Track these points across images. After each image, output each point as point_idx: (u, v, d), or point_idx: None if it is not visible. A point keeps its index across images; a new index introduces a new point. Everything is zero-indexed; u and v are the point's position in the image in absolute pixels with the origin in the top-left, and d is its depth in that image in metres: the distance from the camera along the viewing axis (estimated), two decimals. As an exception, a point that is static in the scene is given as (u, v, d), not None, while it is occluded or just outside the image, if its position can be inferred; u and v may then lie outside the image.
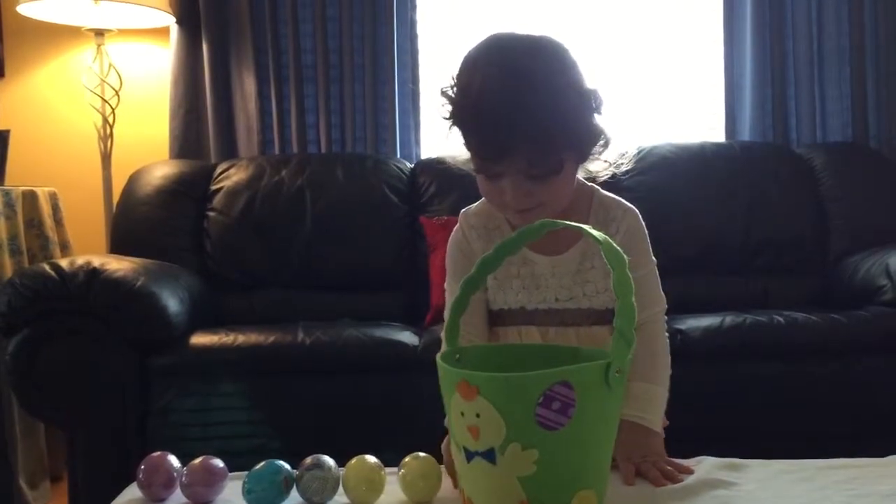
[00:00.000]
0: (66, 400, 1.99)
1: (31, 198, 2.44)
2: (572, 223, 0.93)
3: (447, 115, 1.11)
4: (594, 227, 1.11)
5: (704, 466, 1.09)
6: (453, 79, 1.10)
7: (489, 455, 0.81)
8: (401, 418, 1.94)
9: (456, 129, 1.12)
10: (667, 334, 1.22)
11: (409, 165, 2.77)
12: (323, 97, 2.87)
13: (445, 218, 2.54)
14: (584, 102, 1.08)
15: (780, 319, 2.10)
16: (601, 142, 1.12)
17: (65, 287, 1.96)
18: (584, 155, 1.12)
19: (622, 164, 1.19)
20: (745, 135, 2.91)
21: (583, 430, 0.82)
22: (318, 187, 2.62)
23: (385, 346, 2.09)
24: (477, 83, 1.05)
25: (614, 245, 0.86)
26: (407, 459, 1.03)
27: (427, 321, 2.36)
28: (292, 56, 2.86)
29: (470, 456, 0.83)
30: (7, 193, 2.33)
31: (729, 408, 2.04)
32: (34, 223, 2.45)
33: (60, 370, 1.98)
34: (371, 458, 1.04)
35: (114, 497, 1.07)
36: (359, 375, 2.05)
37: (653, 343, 1.18)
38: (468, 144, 1.11)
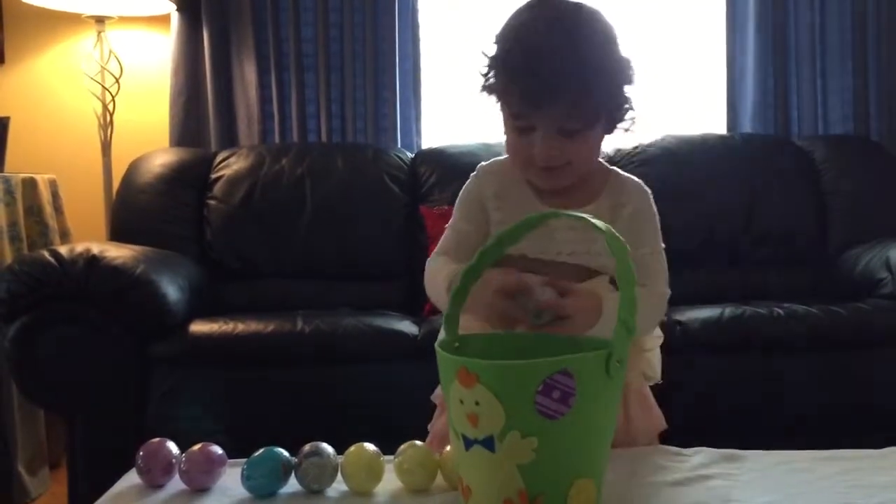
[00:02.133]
0: (66, 387, 2.00)
1: (30, 185, 2.44)
2: (573, 213, 0.93)
3: (485, 71, 1.15)
4: (606, 202, 1.18)
5: (702, 457, 1.10)
6: (497, 37, 1.15)
7: (488, 443, 0.81)
8: (399, 407, 1.94)
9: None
10: (662, 313, 1.23)
11: (410, 155, 2.77)
12: (324, 86, 2.86)
13: (445, 207, 2.53)
14: (622, 69, 1.14)
15: (780, 311, 2.10)
16: (629, 114, 1.17)
17: (64, 274, 1.96)
18: (614, 120, 1.17)
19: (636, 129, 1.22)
20: (747, 127, 2.91)
21: (582, 419, 0.82)
22: (318, 176, 2.61)
23: (384, 335, 2.09)
24: (529, 32, 1.11)
25: (616, 234, 0.86)
26: (404, 447, 1.04)
27: (426, 311, 2.35)
28: (293, 45, 2.85)
29: (469, 444, 0.83)
30: (7, 180, 2.33)
31: (728, 399, 2.04)
32: (34, 210, 2.44)
33: (60, 357, 1.98)
34: (370, 446, 1.04)
35: (112, 483, 1.07)
36: (358, 364, 2.05)
37: (650, 298, 1.16)
38: (508, 94, 1.13)
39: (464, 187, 1.29)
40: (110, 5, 2.71)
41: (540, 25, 1.10)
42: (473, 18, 3.03)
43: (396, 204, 2.62)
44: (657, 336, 1.27)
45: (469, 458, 0.84)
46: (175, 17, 2.87)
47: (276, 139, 2.88)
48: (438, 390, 1.19)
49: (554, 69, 1.07)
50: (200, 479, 1.03)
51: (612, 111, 1.15)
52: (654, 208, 1.24)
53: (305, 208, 2.58)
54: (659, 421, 1.26)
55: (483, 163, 1.29)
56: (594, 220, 0.88)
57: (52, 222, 2.50)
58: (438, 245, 1.28)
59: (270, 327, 2.08)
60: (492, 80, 1.15)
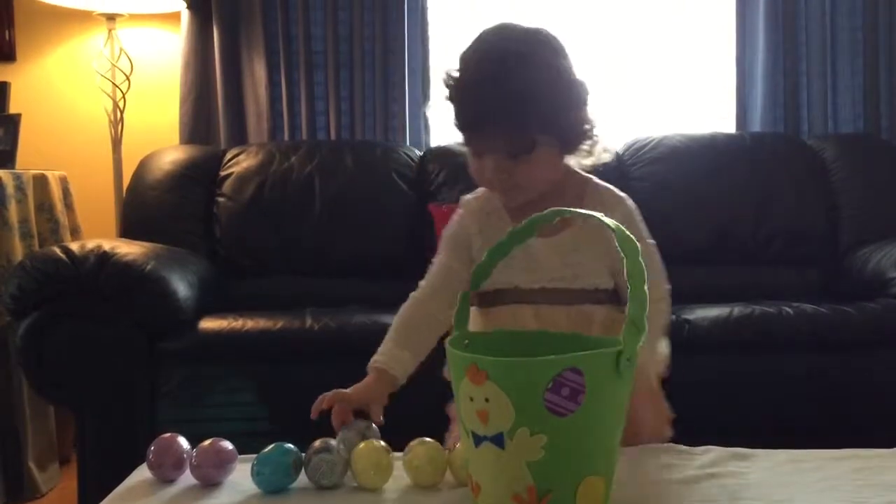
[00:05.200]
0: (76, 382, 2.01)
1: (41, 182, 2.45)
2: (583, 211, 0.93)
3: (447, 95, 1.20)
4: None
5: (711, 456, 1.10)
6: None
7: (498, 440, 0.82)
8: (407, 404, 1.94)
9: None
10: (670, 311, 1.26)
11: (419, 153, 2.77)
12: (333, 84, 2.87)
13: (454, 205, 2.53)
14: (572, 93, 1.16)
15: (789, 311, 2.10)
16: (589, 134, 1.19)
17: (75, 271, 1.97)
18: (567, 143, 1.19)
19: (604, 156, 1.24)
20: (756, 125, 2.90)
21: (592, 417, 0.82)
22: (327, 174, 2.62)
23: (393, 332, 2.10)
24: (465, 61, 1.17)
25: (627, 233, 0.86)
26: (413, 444, 1.04)
27: (435, 309, 2.35)
28: (302, 42, 2.86)
29: (479, 441, 0.83)
30: (18, 177, 2.34)
31: (736, 398, 2.04)
32: (45, 207, 2.46)
33: (70, 353, 1.99)
34: (379, 443, 1.04)
35: (122, 480, 1.08)
36: (366, 361, 2.05)
37: (651, 313, 1.18)
38: (456, 119, 1.19)
39: (450, 221, 1.33)
40: (121, 3, 2.72)
41: (479, 53, 1.16)
42: (482, 16, 3.03)
43: (405, 201, 2.63)
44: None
45: (478, 454, 0.84)
46: (185, 14, 2.87)
47: (286, 137, 2.89)
48: (453, 403, 1.20)
49: (483, 99, 1.12)
50: (211, 475, 1.03)
51: (562, 135, 1.17)
52: (635, 210, 1.26)
53: (314, 205, 2.58)
54: (666, 413, 1.26)
55: (467, 196, 1.32)
56: (605, 219, 0.88)
57: (62, 219, 2.51)
58: (428, 275, 1.31)
59: (279, 324, 2.09)
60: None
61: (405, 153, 2.73)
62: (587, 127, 1.19)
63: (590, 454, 0.84)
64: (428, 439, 1.04)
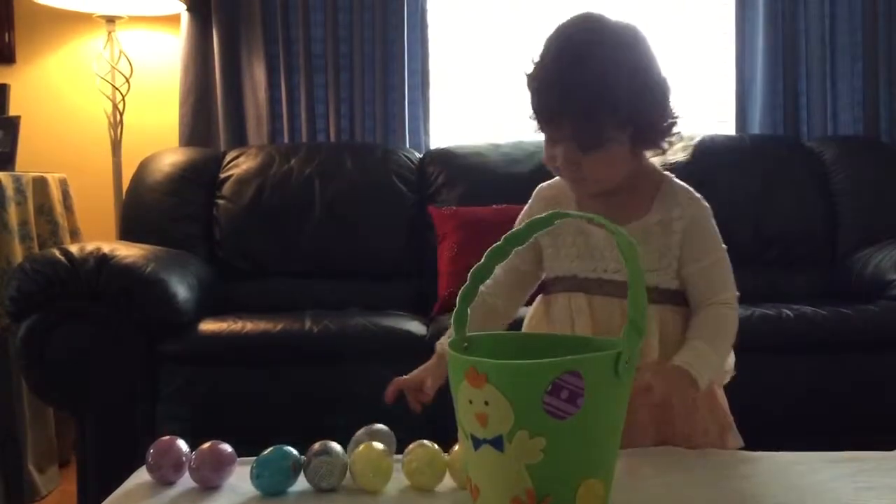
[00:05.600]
0: (75, 385, 2.01)
1: (41, 184, 2.45)
2: (580, 213, 0.93)
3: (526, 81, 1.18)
4: (655, 218, 1.18)
5: (714, 458, 1.10)
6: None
7: (497, 442, 0.81)
8: (407, 407, 1.94)
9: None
10: (736, 322, 1.24)
11: (418, 155, 2.77)
12: (333, 86, 2.87)
13: (454, 208, 2.54)
14: (649, 91, 1.14)
15: (789, 313, 2.10)
16: (669, 131, 1.17)
17: (75, 273, 1.97)
18: (640, 141, 1.17)
19: (678, 150, 1.23)
20: (756, 128, 2.90)
21: (591, 420, 0.82)
22: (327, 176, 2.62)
23: (393, 335, 2.10)
24: (546, 48, 1.16)
25: (627, 237, 0.86)
26: (412, 447, 1.04)
27: (435, 310, 2.36)
28: (302, 45, 2.86)
29: (478, 443, 0.83)
30: (17, 179, 2.34)
31: (737, 400, 2.03)
32: (44, 209, 2.46)
33: (70, 355, 1.99)
34: (378, 445, 1.04)
35: (121, 482, 1.08)
36: (366, 364, 2.05)
37: (721, 319, 1.20)
38: (532, 107, 1.18)
39: (524, 210, 1.31)
40: (121, 5, 2.72)
41: (558, 43, 1.15)
42: (482, 19, 3.03)
43: (405, 204, 2.63)
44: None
45: (478, 457, 0.84)
46: (185, 17, 2.88)
47: (286, 139, 2.89)
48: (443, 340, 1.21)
49: (557, 91, 1.11)
50: (210, 477, 1.03)
51: (637, 130, 1.14)
52: (710, 214, 1.24)
53: (314, 208, 2.58)
54: (726, 419, 1.28)
55: (542, 185, 1.31)
56: (605, 221, 0.88)
57: (62, 221, 2.51)
58: (510, 234, 1.21)
59: (279, 327, 2.09)
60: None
61: (405, 155, 2.73)
62: (665, 125, 1.17)
63: (589, 457, 0.84)
64: (427, 442, 1.04)
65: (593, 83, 1.09)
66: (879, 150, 2.78)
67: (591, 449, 0.84)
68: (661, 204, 1.21)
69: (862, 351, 2.06)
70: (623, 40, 1.15)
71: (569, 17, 1.19)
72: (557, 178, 1.26)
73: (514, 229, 0.97)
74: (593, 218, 0.90)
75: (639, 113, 1.13)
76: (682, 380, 1.09)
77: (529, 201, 1.31)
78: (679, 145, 1.22)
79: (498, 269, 1.13)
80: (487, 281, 1.08)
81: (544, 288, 1.27)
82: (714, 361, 1.16)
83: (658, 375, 1.04)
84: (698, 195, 1.25)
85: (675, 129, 1.18)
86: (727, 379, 1.28)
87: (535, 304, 1.30)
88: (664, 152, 1.21)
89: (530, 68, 1.17)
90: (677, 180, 1.25)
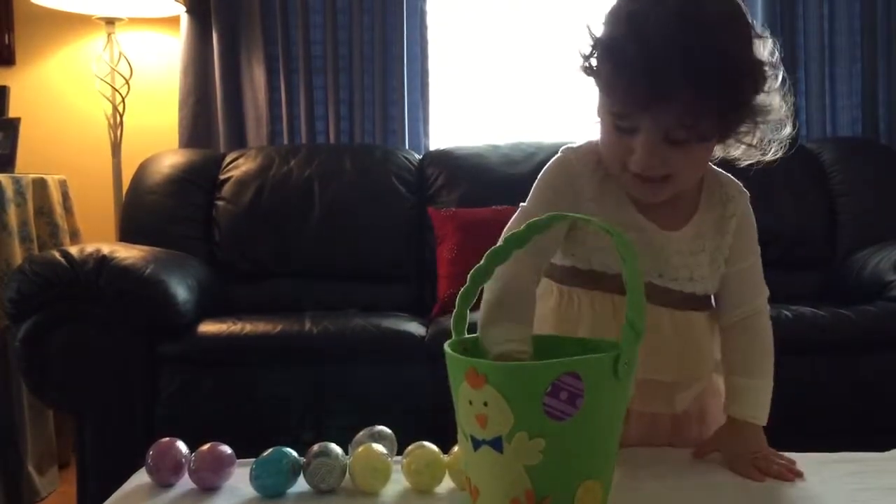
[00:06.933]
0: (75, 386, 2.01)
1: (41, 185, 2.45)
2: (581, 215, 0.92)
3: (588, 52, 0.98)
4: (710, 216, 1.08)
5: (712, 460, 1.10)
6: (607, 15, 0.98)
7: (496, 443, 0.81)
8: (407, 408, 1.95)
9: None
10: (770, 323, 1.16)
11: (418, 157, 2.78)
12: (332, 88, 2.87)
13: (453, 209, 2.54)
14: (751, 74, 0.98)
15: (788, 314, 2.10)
16: (755, 126, 1.02)
17: (74, 274, 1.97)
18: (729, 130, 1.00)
19: (773, 148, 1.08)
20: (755, 129, 2.90)
21: (590, 421, 0.82)
22: (326, 178, 2.62)
23: (392, 336, 2.10)
24: (644, 17, 0.92)
25: (626, 238, 0.85)
26: (411, 448, 1.04)
27: (434, 312, 2.36)
28: (302, 46, 2.86)
29: (477, 444, 0.83)
30: (17, 181, 2.34)
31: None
32: (44, 211, 2.46)
33: (69, 356, 1.99)
34: (377, 447, 1.04)
35: (121, 484, 1.08)
36: (365, 365, 2.06)
37: (762, 336, 1.15)
38: (612, 86, 0.96)
39: (551, 173, 1.07)
40: (120, 7, 2.72)
41: (666, 11, 0.91)
42: (481, 20, 3.03)
43: (404, 205, 2.63)
44: None
45: (477, 458, 0.84)
46: (184, 18, 2.88)
47: (285, 140, 2.89)
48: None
49: (676, 64, 0.89)
50: (210, 479, 1.03)
51: (731, 122, 0.99)
52: (751, 211, 1.12)
53: (314, 209, 2.58)
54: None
55: (570, 146, 1.08)
56: (601, 224, 0.87)
57: (62, 223, 2.51)
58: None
59: (278, 328, 2.09)
60: (595, 64, 0.98)
61: (404, 157, 2.74)
62: (759, 119, 1.02)
63: (588, 458, 0.84)
64: (426, 443, 1.04)
65: (709, 62, 0.90)
66: (878, 151, 2.78)
67: (591, 450, 0.84)
68: (711, 201, 1.08)
69: (861, 351, 2.07)
70: (734, 13, 0.97)
71: None
72: (590, 148, 1.06)
73: (513, 229, 0.96)
74: (589, 220, 0.89)
75: (742, 101, 0.98)
76: (758, 435, 1.09)
77: (564, 168, 1.06)
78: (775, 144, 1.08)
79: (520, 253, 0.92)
80: (505, 267, 0.91)
81: (585, 280, 1.08)
82: (769, 387, 1.15)
83: (757, 457, 1.05)
84: (742, 185, 1.11)
85: (780, 120, 1.06)
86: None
87: (540, 292, 1.07)
88: (751, 146, 1.05)
89: (608, 37, 0.95)
90: (717, 168, 1.10)
